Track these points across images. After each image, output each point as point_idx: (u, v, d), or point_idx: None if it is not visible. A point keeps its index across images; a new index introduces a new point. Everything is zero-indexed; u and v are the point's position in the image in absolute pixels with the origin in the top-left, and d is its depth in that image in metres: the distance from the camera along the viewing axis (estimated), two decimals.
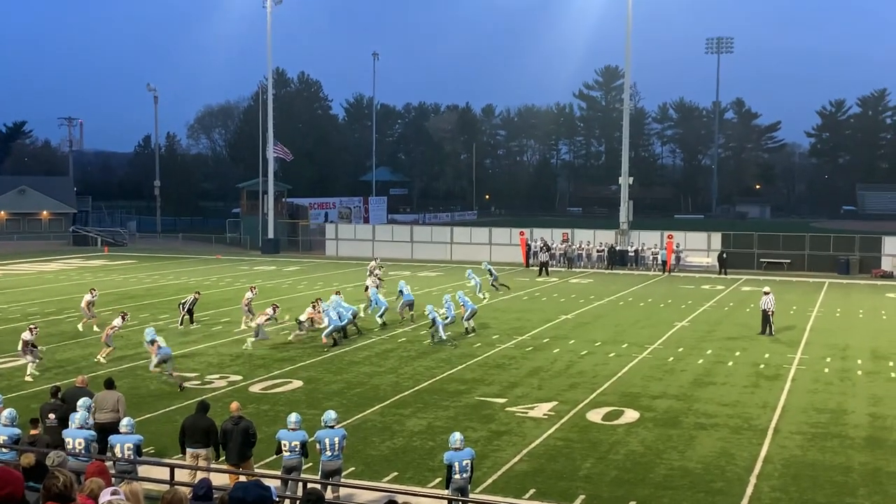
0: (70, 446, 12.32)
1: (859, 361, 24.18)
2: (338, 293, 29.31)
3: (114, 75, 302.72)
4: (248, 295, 29.42)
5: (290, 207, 72.78)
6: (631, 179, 58.82)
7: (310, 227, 71.04)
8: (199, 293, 30.85)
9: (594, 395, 20.06)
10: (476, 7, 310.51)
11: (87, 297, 29.23)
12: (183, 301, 29.85)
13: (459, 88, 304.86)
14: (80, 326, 28.47)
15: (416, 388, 20.66)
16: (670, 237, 52.02)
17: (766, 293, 29.06)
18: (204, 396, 18.04)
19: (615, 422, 17.83)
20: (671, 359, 24.35)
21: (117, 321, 24.79)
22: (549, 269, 48.42)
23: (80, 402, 13.43)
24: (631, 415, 18.34)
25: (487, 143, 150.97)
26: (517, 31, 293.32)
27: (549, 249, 52.64)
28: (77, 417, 12.71)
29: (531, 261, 52.88)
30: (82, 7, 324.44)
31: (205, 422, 13.26)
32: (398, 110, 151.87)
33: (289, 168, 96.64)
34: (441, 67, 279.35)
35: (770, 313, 28.38)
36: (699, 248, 52.27)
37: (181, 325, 29.18)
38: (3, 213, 78.20)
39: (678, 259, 50.96)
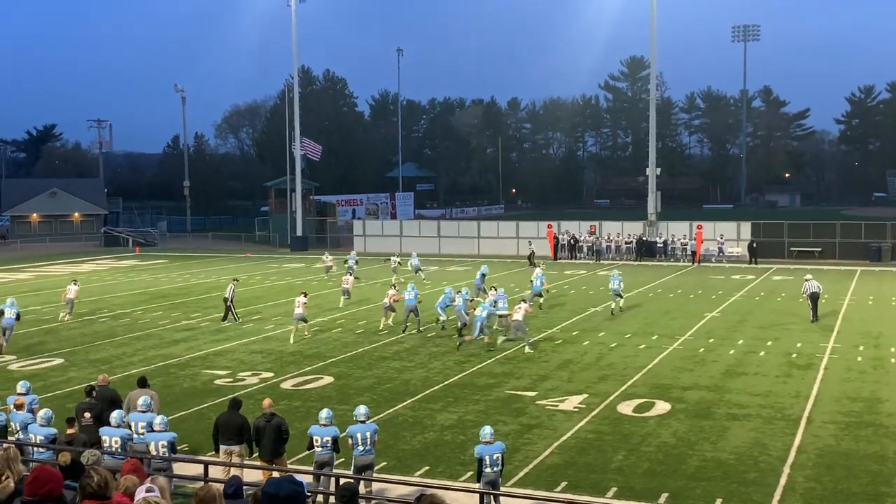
0: (107, 444, 12.48)
1: (893, 349, 23.93)
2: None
3: (142, 77, 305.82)
4: (302, 299, 27.45)
5: (317, 205, 73.13)
6: (658, 170, 58.49)
7: (337, 223, 71.30)
8: (236, 280, 31.43)
9: (625, 387, 20.01)
10: (498, 2, 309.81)
11: (73, 287, 31.58)
12: (226, 296, 29.98)
13: (484, 82, 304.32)
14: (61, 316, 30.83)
15: (446, 382, 20.71)
16: (699, 227, 51.67)
17: (808, 279, 29.44)
18: (236, 394, 18.20)
19: (646, 414, 17.78)
20: (702, 350, 24.22)
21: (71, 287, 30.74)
22: (575, 259, 48.24)
23: (141, 400, 13.57)
24: (662, 406, 18.27)
25: (513, 137, 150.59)
26: (541, 24, 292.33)
27: (576, 242, 52.67)
28: (114, 416, 12.87)
29: (559, 254, 52.82)
30: (109, 10, 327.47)
31: (238, 419, 13.39)
32: (423, 106, 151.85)
33: (316, 166, 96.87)
34: (465, 62, 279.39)
35: (818, 297, 28.79)
36: (729, 237, 51.86)
37: (224, 320, 29.53)
38: (35, 215, 79.18)
39: (720, 250, 50.43)
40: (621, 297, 31.07)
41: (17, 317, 25.90)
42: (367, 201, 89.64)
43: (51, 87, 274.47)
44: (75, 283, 32.57)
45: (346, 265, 41.05)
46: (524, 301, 25.97)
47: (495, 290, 28.38)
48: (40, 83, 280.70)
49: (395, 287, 29.43)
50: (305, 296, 27.71)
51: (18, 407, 13.56)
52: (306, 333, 26.80)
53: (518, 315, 24.38)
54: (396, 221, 68.75)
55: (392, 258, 44.24)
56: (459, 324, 26.39)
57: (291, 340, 26.01)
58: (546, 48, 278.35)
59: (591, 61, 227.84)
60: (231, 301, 29.70)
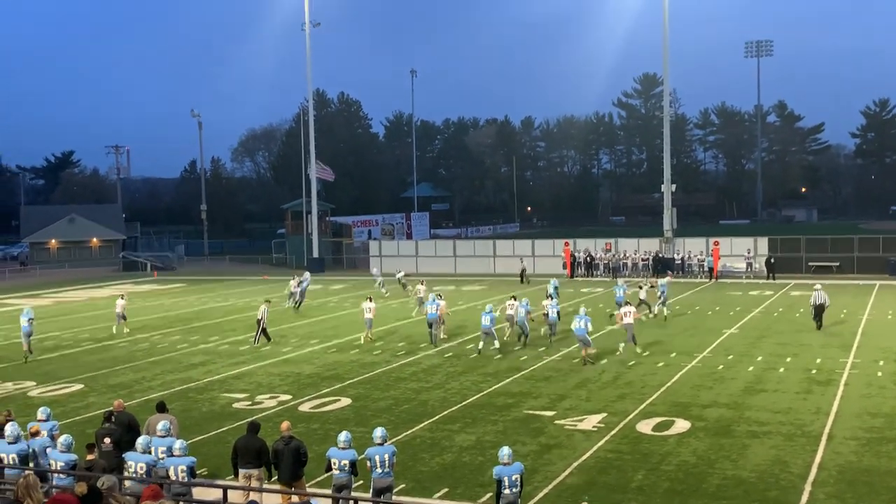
0: (132, 470, 12.52)
1: None
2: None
3: (158, 103, 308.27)
4: (368, 310, 29.60)
5: (333, 226, 73.43)
6: (674, 187, 58.46)
7: (354, 244, 71.59)
8: (269, 301, 31.97)
9: (644, 405, 19.92)
10: (511, 20, 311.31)
11: (121, 302, 33.92)
12: (259, 317, 30.03)
13: (498, 102, 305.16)
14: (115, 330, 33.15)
15: (464, 402, 20.68)
16: (716, 243, 51.53)
17: (817, 289, 30.19)
18: (254, 417, 18.26)
19: (666, 432, 17.69)
20: (721, 367, 24.11)
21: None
22: (592, 277, 48.23)
23: (160, 425, 13.66)
24: (682, 425, 18.18)
25: (527, 156, 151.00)
26: (553, 43, 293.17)
27: (592, 259, 52.76)
28: (140, 442, 12.91)
29: (576, 272, 52.83)
30: (125, 36, 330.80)
31: (256, 442, 13.41)
32: (437, 126, 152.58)
33: (331, 187, 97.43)
34: (479, 82, 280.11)
35: (824, 308, 29.52)
36: (742, 253, 51.63)
37: (256, 342, 29.64)
38: (54, 241, 79.80)
39: (749, 266, 50.26)
40: (650, 306, 33.78)
41: (31, 321, 28.56)
42: (383, 222, 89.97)
43: (68, 115, 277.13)
44: (122, 298, 34.84)
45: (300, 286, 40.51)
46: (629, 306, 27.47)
47: (550, 298, 30.48)
48: (58, 111, 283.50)
49: (440, 297, 30.16)
50: (371, 300, 30.15)
51: (34, 434, 13.63)
52: (370, 336, 29.45)
53: (629, 319, 26.20)
54: (412, 242, 68.95)
55: (398, 274, 45.62)
56: (523, 334, 28.24)
57: (362, 340, 29.24)
58: (559, 67, 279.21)
59: (604, 79, 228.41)
60: (264, 322, 29.89)
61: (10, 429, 13.17)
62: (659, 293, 34.37)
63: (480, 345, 27.13)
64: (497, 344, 26.93)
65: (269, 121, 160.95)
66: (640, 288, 35.63)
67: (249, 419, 16.46)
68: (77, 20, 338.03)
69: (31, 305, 35.83)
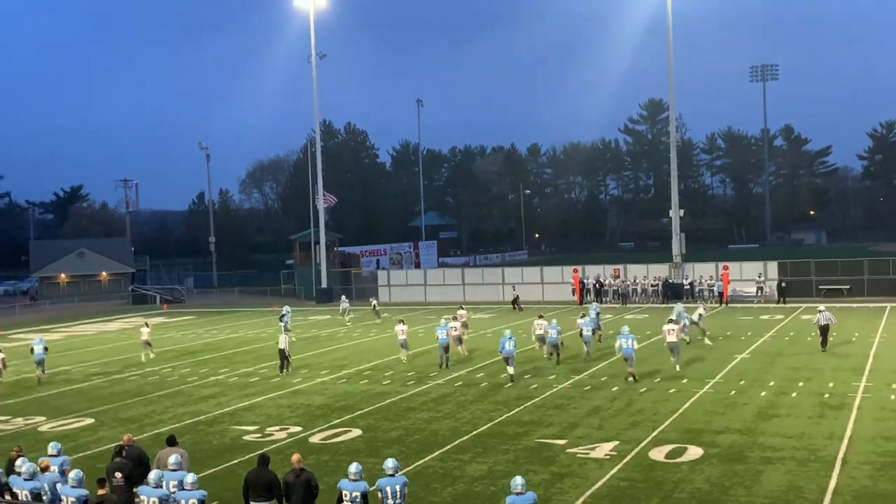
0: None
1: None
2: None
3: (166, 136, 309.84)
4: (401, 332, 31.67)
5: (341, 256, 73.55)
6: (682, 211, 58.48)
7: (362, 274, 71.59)
8: (289, 331, 33.14)
9: (656, 432, 19.80)
10: (515, 48, 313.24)
11: (145, 329, 35.75)
12: (281, 347, 30.41)
13: (503, 130, 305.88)
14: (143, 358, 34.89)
15: (475, 432, 20.59)
16: (726, 268, 51.42)
17: (822, 311, 30.63)
18: (265, 449, 18.20)
19: (679, 459, 17.58)
20: (733, 392, 23.97)
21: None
22: (601, 303, 48.02)
23: (172, 458, 13.62)
24: (694, 451, 18.06)
25: (534, 182, 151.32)
26: (557, 70, 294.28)
27: (601, 286, 52.68)
28: (152, 477, 12.87)
29: (585, 298, 52.73)
30: (130, 71, 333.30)
31: (267, 475, 13.36)
32: (444, 154, 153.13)
33: (339, 217, 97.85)
34: (484, 110, 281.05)
35: (829, 327, 29.98)
36: (752, 277, 51.47)
37: (283, 371, 30.05)
38: (63, 276, 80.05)
39: (760, 290, 50.05)
40: (704, 331, 33.58)
41: (45, 350, 31.18)
42: (391, 251, 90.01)
43: (76, 150, 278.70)
44: (147, 326, 36.50)
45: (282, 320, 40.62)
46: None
47: (585, 316, 32.65)
48: (66, 146, 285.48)
49: (462, 318, 33.65)
50: (403, 323, 31.86)
51: (45, 469, 13.60)
52: (403, 358, 31.30)
53: (672, 337, 27.70)
54: (420, 271, 68.90)
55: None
56: (556, 353, 29.94)
57: (403, 359, 31.25)
58: (564, 94, 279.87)
59: (609, 105, 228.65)
60: (287, 350, 30.46)
61: (25, 465, 13.16)
62: (685, 321, 33.65)
63: (510, 370, 26.92)
64: (511, 371, 26.83)
65: (276, 152, 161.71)
66: (698, 312, 34.64)
67: (260, 451, 16.40)
68: (84, 55, 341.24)
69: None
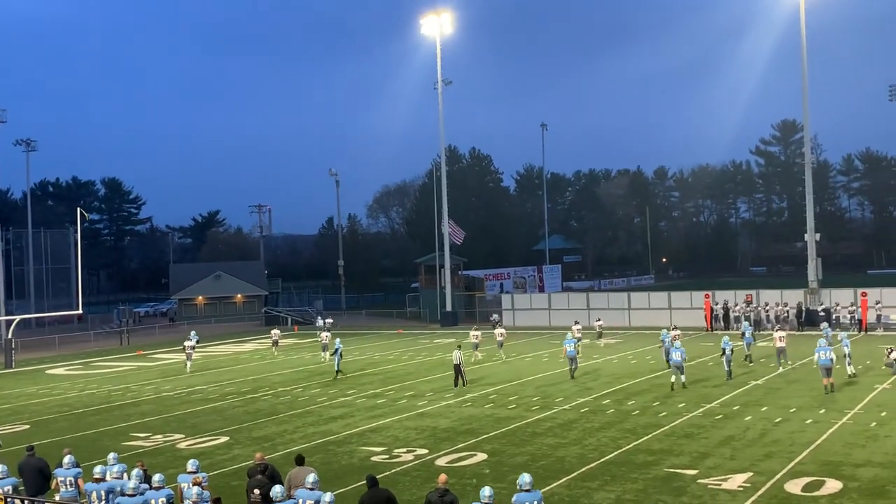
0: None
1: None
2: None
3: (298, 163, 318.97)
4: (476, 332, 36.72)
5: (466, 279, 73.93)
6: (818, 235, 56.23)
7: (486, 297, 71.74)
8: (459, 346, 33.68)
9: (792, 464, 19.06)
10: (640, 69, 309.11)
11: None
12: (456, 363, 32.32)
13: (629, 153, 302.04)
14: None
15: (603, 459, 20.28)
16: (864, 294, 49.19)
17: None
18: (392, 471, 18.39)
19: (816, 493, 16.86)
20: (874, 424, 22.87)
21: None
22: (731, 329, 46.49)
23: (311, 477, 13.90)
24: (833, 485, 17.29)
25: (661, 206, 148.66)
26: (685, 91, 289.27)
27: (728, 311, 51.26)
28: (276, 491, 13.20)
29: (714, 324, 51.36)
30: (264, 100, 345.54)
31: (382, 494, 13.35)
32: (568, 178, 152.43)
33: (464, 241, 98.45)
34: (609, 133, 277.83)
35: None
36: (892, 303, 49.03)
37: (456, 385, 31.99)
38: (200, 297, 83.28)
39: (878, 318, 47.85)
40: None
41: (197, 341, 41.66)
42: (515, 275, 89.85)
43: (214, 177, 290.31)
44: (327, 330, 45.49)
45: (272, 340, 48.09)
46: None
47: (675, 328, 35.62)
48: (204, 174, 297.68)
49: (467, 349, 36.13)
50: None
51: (196, 484, 14.11)
52: (472, 360, 34.73)
53: (782, 343, 32.59)
54: (545, 294, 68.52)
55: (324, 333, 45.20)
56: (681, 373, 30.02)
57: (480, 357, 36.98)
58: (691, 115, 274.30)
59: (738, 126, 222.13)
60: (462, 365, 32.32)
61: (156, 476, 13.89)
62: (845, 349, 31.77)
63: (673, 378, 29.60)
64: (684, 379, 29.54)
65: (402, 177, 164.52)
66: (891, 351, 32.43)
67: (385, 473, 16.58)
68: (217, 95, 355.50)
69: (176, 360, 37.63)
